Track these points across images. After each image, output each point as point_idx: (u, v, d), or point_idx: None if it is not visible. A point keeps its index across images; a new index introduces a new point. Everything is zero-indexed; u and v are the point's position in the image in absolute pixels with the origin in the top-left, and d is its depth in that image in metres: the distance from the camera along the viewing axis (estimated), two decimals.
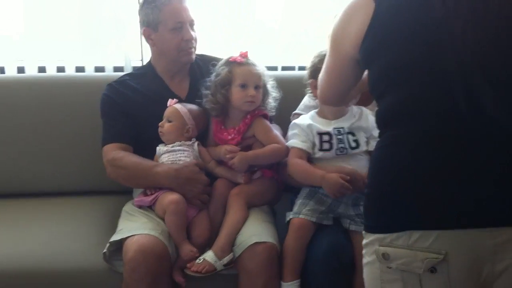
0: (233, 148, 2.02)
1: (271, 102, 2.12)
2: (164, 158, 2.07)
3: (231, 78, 2.03)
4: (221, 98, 2.05)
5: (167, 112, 2.10)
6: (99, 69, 2.76)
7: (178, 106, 2.11)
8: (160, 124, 2.09)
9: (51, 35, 2.75)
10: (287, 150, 2.03)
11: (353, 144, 1.97)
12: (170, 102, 2.11)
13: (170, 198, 1.96)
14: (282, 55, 2.86)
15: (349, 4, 1.33)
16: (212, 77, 2.09)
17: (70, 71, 2.74)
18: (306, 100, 2.17)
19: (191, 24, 2.19)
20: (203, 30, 2.27)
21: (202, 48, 2.34)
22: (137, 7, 2.54)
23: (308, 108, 2.14)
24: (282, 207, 2.20)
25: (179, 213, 1.93)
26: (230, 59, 2.07)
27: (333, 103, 1.73)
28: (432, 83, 1.21)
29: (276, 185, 2.17)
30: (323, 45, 1.82)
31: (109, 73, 2.73)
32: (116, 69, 2.76)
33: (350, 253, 1.93)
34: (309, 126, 1.99)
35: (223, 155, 2.03)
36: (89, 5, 2.73)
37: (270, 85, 2.11)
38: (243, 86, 2.02)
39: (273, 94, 2.12)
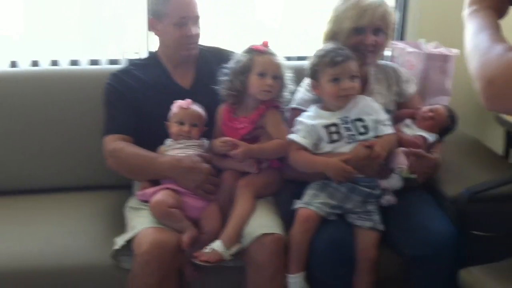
0: (227, 140, 2.01)
1: (287, 95, 2.11)
2: (173, 152, 2.06)
3: (251, 66, 2.03)
4: (239, 85, 2.04)
5: (190, 116, 2.07)
6: (94, 62, 2.72)
7: (199, 109, 2.09)
8: (184, 128, 2.05)
9: (49, 33, 2.71)
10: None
11: (362, 130, 1.98)
12: (187, 102, 2.08)
13: (150, 204, 1.95)
14: (282, 56, 2.84)
15: None
16: (232, 63, 2.08)
17: (64, 65, 2.69)
18: (304, 94, 2.16)
19: (196, 20, 2.18)
20: (203, 30, 2.26)
21: None
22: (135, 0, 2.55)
23: (306, 102, 2.13)
24: (284, 197, 2.18)
25: (162, 213, 1.92)
26: (253, 47, 2.07)
27: None
28: None
29: (281, 176, 2.16)
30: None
31: (105, 66, 2.69)
32: (112, 62, 2.73)
33: (353, 247, 1.95)
34: (313, 126, 1.98)
35: (219, 145, 2.02)
36: None
37: (288, 77, 2.10)
38: (262, 74, 2.01)
39: (290, 87, 2.11)
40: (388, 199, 2.02)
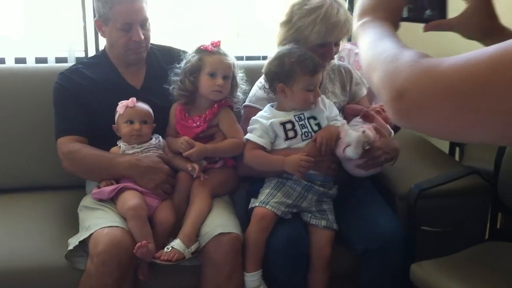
0: (190, 140, 2.00)
1: (240, 94, 2.11)
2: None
3: (200, 66, 2.01)
4: (190, 85, 2.02)
5: (139, 113, 2.03)
6: (41, 60, 2.65)
7: (146, 106, 2.06)
8: (135, 127, 2.01)
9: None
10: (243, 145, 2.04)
11: (316, 128, 2.00)
12: (132, 101, 2.03)
13: (129, 204, 1.91)
14: (233, 55, 2.85)
15: None
16: (182, 63, 2.07)
17: (10, 63, 2.61)
18: (258, 92, 2.16)
19: (143, 23, 2.11)
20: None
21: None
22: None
23: (260, 101, 2.14)
24: (238, 196, 2.22)
25: (139, 218, 1.89)
26: (202, 47, 2.04)
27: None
28: None
29: (237, 174, 2.17)
30: None
31: (53, 64, 2.63)
32: (59, 60, 2.67)
33: (308, 245, 1.98)
34: (271, 124, 1.98)
35: (180, 145, 2.00)
36: None
37: (240, 77, 2.09)
38: (212, 74, 2.00)
39: (243, 86, 2.11)
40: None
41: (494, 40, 0.78)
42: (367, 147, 1.90)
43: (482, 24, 1.09)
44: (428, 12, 1.10)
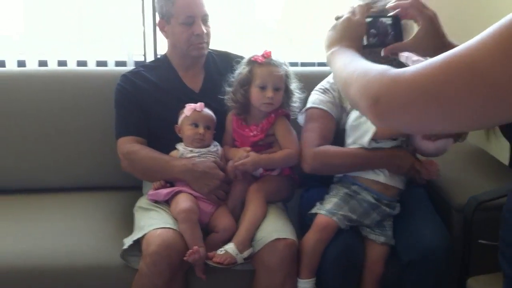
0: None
1: (297, 101, 2.09)
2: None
3: (250, 78, 2.01)
4: (241, 97, 2.03)
5: (204, 118, 2.05)
6: (101, 63, 2.72)
7: (211, 112, 2.09)
8: (199, 131, 2.04)
9: (52, 32, 2.70)
10: (298, 156, 2.03)
11: None
12: (201, 105, 2.06)
13: (181, 206, 1.93)
14: (282, 55, 2.84)
15: None
16: (235, 74, 2.07)
17: (71, 66, 2.69)
18: (320, 96, 2.12)
19: (204, 18, 2.16)
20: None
21: None
22: (140, 1, 2.55)
23: (324, 103, 2.10)
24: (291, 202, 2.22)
25: (190, 221, 1.91)
26: (252, 59, 2.04)
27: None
28: None
29: (292, 183, 2.17)
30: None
31: (113, 67, 2.70)
32: (118, 63, 2.73)
33: (362, 258, 1.97)
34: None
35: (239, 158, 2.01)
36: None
37: (294, 86, 2.08)
38: (262, 87, 2.00)
39: (297, 95, 2.09)
40: None
41: None
42: None
43: (433, 43, 1.22)
44: (388, 37, 1.26)
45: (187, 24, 2.13)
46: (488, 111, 0.74)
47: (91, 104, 2.42)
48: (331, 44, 1.17)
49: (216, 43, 2.36)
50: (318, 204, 2.01)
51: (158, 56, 2.62)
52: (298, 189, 2.22)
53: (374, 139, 1.94)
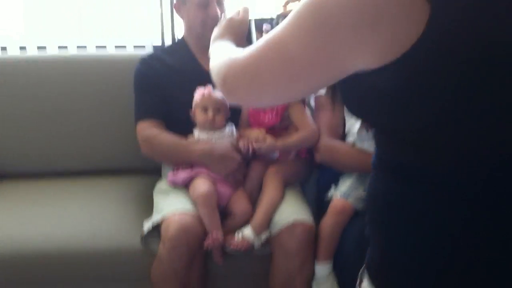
0: (263, 135, 2.02)
1: None
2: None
3: None
4: None
5: (213, 102, 2.04)
6: (120, 48, 2.73)
7: (220, 95, 2.05)
8: (209, 116, 2.03)
9: (73, 19, 2.71)
10: (317, 136, 2.03)
11: None
12: (208, 89, 2.05)
13: (199, 190, 1.94)
14: None
15: None
16: None
17: (91, 50, 2.71)
18: None
19: (219, 1, 2.16)
20: None
21: None
22: None
23: None
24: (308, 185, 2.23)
25: (208, 205, 1.91)
26: None
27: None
28: None
29: (309, 164, 2.16)
30: None
31: (131, 51, 2.70)
32: (137, 48, 2.73)
33: None
34: None
35: (252, 140, 2.01)
36: None
37: None
38: None
39: None
40: None
41: None
42: None
43: None
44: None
45: (203, 6, 2.13)
46: (295, 85, 0.85)
47: (110, 88, 2.44)
48: (214, 39, 1.30)
49: None
50: (333, 186, 2.00)
51: (176, 40, 2.61)
52: (316, 169, 2.21)
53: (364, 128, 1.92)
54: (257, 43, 0.88)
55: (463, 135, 0.79)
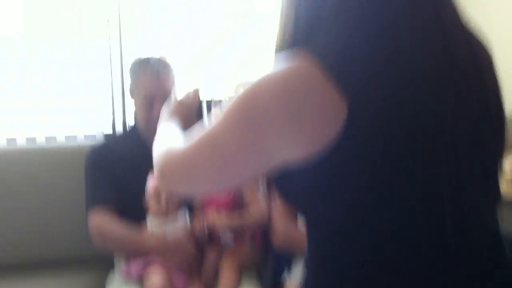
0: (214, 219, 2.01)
1: None
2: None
3: None
4: None
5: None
6: (70, 138, 2.71)
7: None
8: (161, 204, 2.01)
9: (22, 110, 2.69)
10: (266, 215, 2.02)
11: None
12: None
13: (153, 284, 1.89)
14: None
15: (293, 83, 0.80)
16: None
17: (40, 141, 2.68)
18: None
19: (165, 97, 2.04)
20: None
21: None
22: (109, 77, 2.57)
23: None
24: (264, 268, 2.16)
25: None
26: None
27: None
28: None
29: (265, 245, 2.13)
30: None
31: (81, 140, 2.69)
32: (87, 138, 2.71)
33: None
34: None
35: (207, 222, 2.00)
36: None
37: None
38: None
39: None
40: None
41: None
42: None
43: None
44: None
45: (148, 104, 2.10)
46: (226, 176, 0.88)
47: (61, 180, 2.40)
48: (163, 119, 1.32)
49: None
50: (286, 269, 1.98)
51: (128, 128, 2.61)
52: (271, 251, 2.18)
53: None
54: (193, 137, 0.91)
55: (383, 225, 0.83)
